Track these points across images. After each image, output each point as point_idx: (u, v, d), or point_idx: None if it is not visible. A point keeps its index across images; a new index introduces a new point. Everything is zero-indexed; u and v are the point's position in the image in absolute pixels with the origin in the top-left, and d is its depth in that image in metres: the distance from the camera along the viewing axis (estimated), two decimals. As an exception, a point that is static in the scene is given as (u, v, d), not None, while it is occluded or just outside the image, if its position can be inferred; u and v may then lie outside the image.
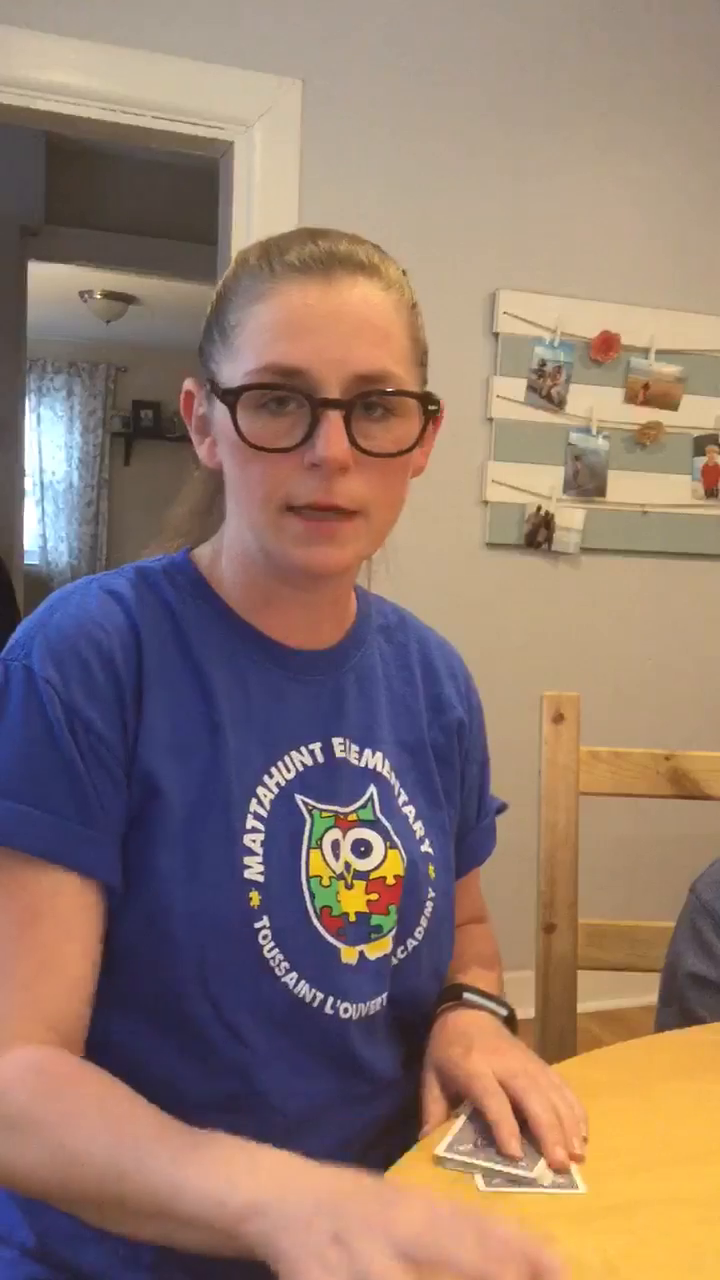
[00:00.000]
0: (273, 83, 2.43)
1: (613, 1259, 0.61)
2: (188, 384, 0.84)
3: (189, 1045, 0.77)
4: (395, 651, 0.93)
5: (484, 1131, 0.71)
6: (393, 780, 0.87)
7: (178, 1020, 0.77)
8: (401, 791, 0.88)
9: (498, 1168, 0.68)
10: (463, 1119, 0.74)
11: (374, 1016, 0.83)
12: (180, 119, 2.39)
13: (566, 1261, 0.53)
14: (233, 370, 0.77)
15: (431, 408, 0.80)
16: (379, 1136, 0.84)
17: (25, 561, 5.86)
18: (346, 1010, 0.81)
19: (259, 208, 2.44)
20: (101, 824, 0.75)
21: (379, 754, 0.87)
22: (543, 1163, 0.68)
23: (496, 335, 2.65)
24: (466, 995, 0.88)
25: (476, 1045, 0.81)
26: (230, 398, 0.76)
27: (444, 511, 2.65)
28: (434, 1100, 0.79)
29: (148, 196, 4.52)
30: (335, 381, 0.74)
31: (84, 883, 0.75)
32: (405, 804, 0.88)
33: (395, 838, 0.85)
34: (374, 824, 0.84)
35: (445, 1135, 0.70)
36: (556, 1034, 1.29)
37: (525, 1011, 1.26)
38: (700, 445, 2.84)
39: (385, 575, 0.96)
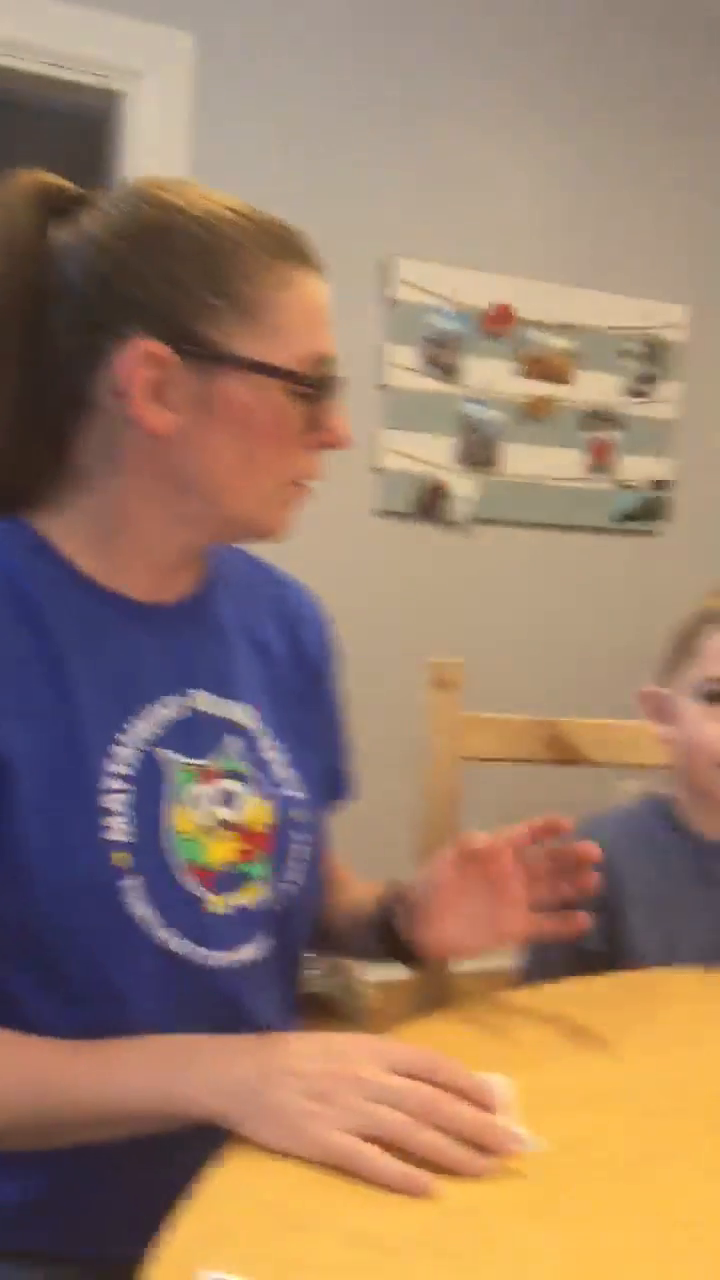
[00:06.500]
0: (165, 34, 2.38)
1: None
2: (151, 346, 0.77)
3: (71, 1003, 0.78)
4: (252, 599, 0.94)
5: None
6: (256, 729, 0.88)
7: (57, 980, 0.77)
8: (266, 739, 0.88)
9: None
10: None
11: (254, 964, 0.84)
12: (67, 66, 2.32)
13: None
14: (269, 350, 0.78)
15: None
16: None
17: None
18: (220, 960, 0.82)
19: (149, 162, 2.39)
20: None
21: (240, 704, 0.87)
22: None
23: (392, 301, 2.64)
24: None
25: None
26: (297, 381, 0.79)
27: (334, 478, 2.62)
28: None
29: (33, 147, 4.37)
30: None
31: None
32: (271, 751, 0.88)
33: (261, 787, 0.86)
34: (238, 774, 0.85)
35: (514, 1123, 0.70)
36: (434, 994, 1.30)
37: (395, 973, 1.27)
38: (590, 420, 2.88)
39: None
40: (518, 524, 2.86)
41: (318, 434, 0.82)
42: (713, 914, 1.02)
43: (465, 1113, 0.66)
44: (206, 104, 2.44)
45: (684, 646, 1.04)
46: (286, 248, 0.80)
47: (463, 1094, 0.68)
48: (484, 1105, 0.68)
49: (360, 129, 2.60)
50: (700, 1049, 0.86)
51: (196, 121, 2.43)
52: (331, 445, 0.83)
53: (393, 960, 0.96)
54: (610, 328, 2.86)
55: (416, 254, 2.65)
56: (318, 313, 0.81)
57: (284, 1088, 0.67)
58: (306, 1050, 0.70)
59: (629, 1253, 0.60)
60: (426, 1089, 0.67)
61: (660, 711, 1.07)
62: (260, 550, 0.99)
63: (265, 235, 0.80)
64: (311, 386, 0.80)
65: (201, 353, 0.77)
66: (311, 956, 0.99)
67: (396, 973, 1.25)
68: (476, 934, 0.89)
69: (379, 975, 2.49)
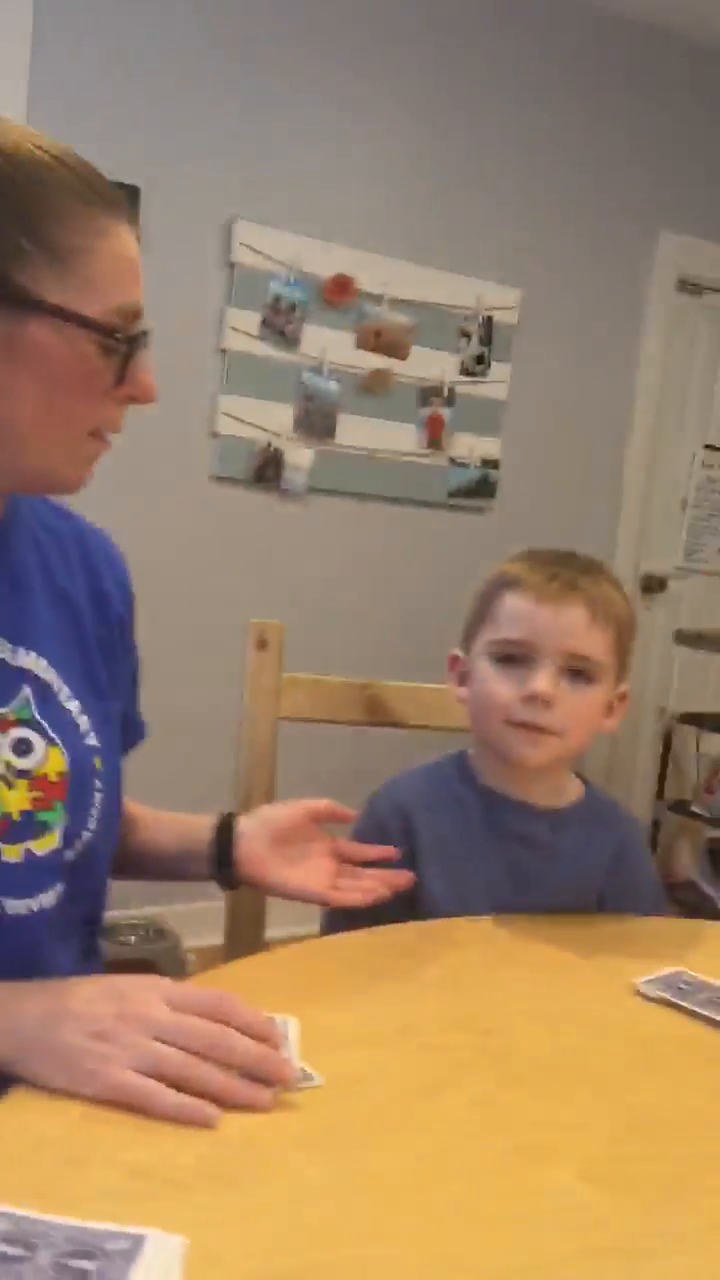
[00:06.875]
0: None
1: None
2: None
3: None
4: (53, 545, 0.93)
5: None
6: (53, 678, 0.87)
7: None
8: (64, 687, 0.88)
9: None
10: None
11: (49, 913, 0.84)
12: None
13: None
14: (80, 299, 0.76)
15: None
16: None
17: None
18: (15, 908, 0.82)
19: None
20: None
21: (34, 653, 0.87)
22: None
23: (232, 265, 2.62)
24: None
25: None
26: (106, 332, 0.77)
27: (171, 442, 2.61)
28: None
29: None
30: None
31: None
32: (69, 699, 0.88)
33: (56, 735, 0.85)
34: (32, 723, 0.84)
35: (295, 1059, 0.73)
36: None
37: (214, 939, 1.29)
38: (425, 396, 2.93)
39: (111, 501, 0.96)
40: (352, 495, 2.89)
41: (124, 387, 0.81)
42: (503, 863, 1.07)
43: (246, 1046, 0.69)
44: (44, 58, 2.36)
45: (480, 611, 1.08)
46: (103, 196, 0.79)
47: (246, 1029, 0.70)
48: (266, 1039, 0.70)
49: (206, 89, 2.56)
50: (484, 989, 0.90)
51: (32, 76, 2.35)
52: (138, 399, 0.82)
53: (213, 880, 1.02)
54: (447, 306, 2.91)
55: (257, 218, 2.64)
56: (130, 264, 0.80)
57: (67, 1029, 0.67)
58: (90, 992, 0.71)
59: (397, 1178, 0.64)
60: (208, 1025, 0.69)
61: (460, 674, 1.11)
62: (94, 511, 0.99)
63: (82, 182, 0.78)
64: (121, 339, 0.79)
65: (8, 297, 0.76)
66: (132, 919, 1.01)
67: (215, 938, 1.28)
68: (292, 877, 0.97)
69: (198, 941, 2.50)
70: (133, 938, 2.57)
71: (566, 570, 1.04)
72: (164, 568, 2.55)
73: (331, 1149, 0.66)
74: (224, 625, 2.53)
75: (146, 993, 0.70)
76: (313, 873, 0.99)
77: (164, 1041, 0.67)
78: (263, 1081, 0.68)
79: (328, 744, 2.38)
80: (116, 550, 1.00)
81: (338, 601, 2.91)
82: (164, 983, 0.73)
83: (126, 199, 0.82)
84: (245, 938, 1.32)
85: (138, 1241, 0.55)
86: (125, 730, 1.00)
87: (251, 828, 1.01)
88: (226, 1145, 0.64)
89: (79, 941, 0.90)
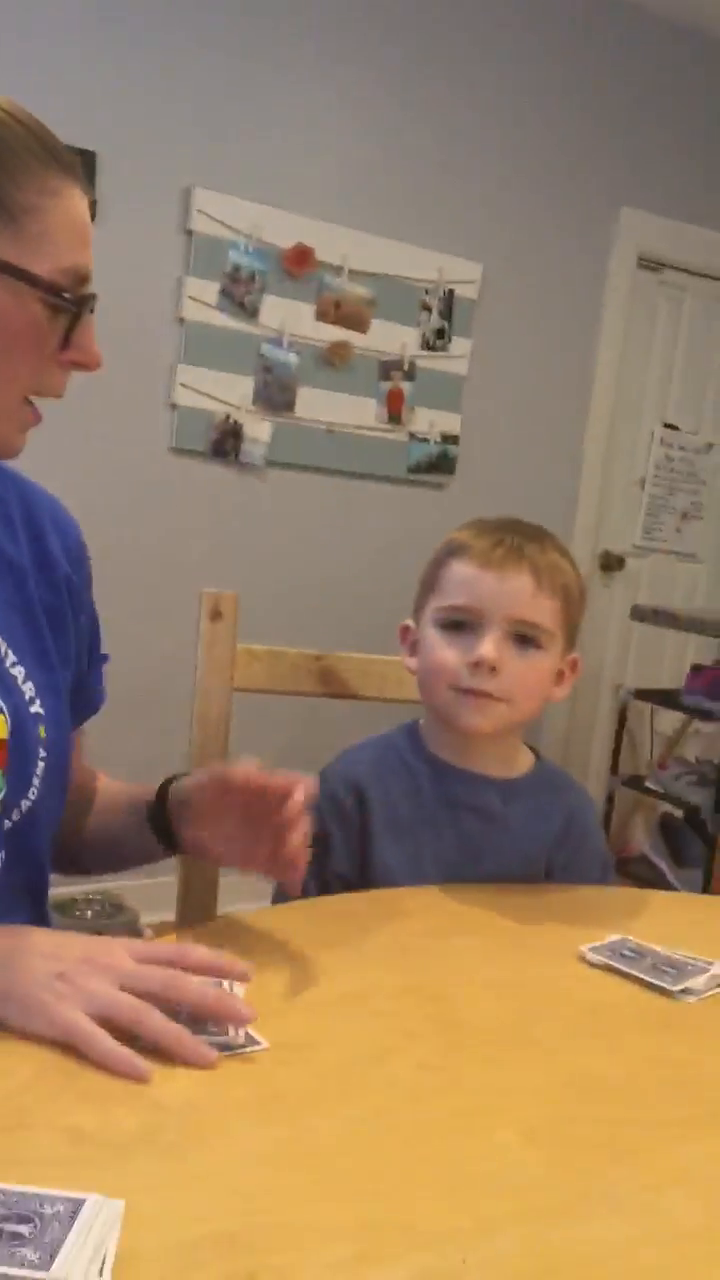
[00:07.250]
0: None
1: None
2: None
3: None
4: None
5: None
6: None
7: None
8: (9, 654, 0.87)
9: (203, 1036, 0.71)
10: None
11: None
12: None
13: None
14: (30, 257, 0.76)
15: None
16: None
17: None
18: None
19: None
20: None
21: None
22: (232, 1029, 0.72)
23: (190, 233, 2.59)
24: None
25: None
26: (55, 293, 0.76)
27: (129, 412, 2.58)
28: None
29: None
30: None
31: None
32: (13, 665, 0.87)
33: None
34: None
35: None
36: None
37: (166, 915, 1.28)
38: (386, 370, 2.92)
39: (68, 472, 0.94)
40: (311, 469, 2.88)
41: (69, 351, 0.80)
42: (454, 834, 1.08)
43: (201, 989, 0.70)
44: (1, 21, 2.31)
45: (428, 579, 1.08)
46: (58, 158, 0.78)
47: (205, 969, 0.71)
48: (232, 973, 0.72)
49: (165, 54, 2.52)
50: (432, 957, 0.91)
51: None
52: (81, 364, 0.82)
53: (161, 847, 0.98)
54: (408, 278, 2.90)
55: (216, 186, 2.60)
56: (81, 227, 0.80)
57: (30, 963, 0.68)
58: (59, 938, 0.72)
59: (339, 1141, 0.64)
60: (168, 970, 0.70)
61: (411, 644, 1.11)
62: (51, 481, 0.97)
63: (34, 141, 0.78)
64: (69, 300, 0.78)
65: None
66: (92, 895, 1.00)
67: (172, 913, 1.27)
68: (228, 851, 0.93)
69: (155, 916, 2.50)
70: (89, 912, 2.57)
71: (512, 537, 1.04)
72: (121, 539, 2.53)
73: (275, 1113, 0.66)
74: (181, 598, 2.52)
75: (112, 945, 0.72)
76: (249, 845, 0.91)
77: (121, 989, 0.68)
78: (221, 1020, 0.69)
79: (282, 715, 2.38)
80: (66, 513, 0.98)
81: (296, 575, 2.90)
82: (126, 939, 0.74)
83: (81, 163, 0.81)
84: (197, 912, 1.32)
85: (76, 1205, 0.55)
86: (83, 698, 0.98)
87: (181, 812, 0.94)
88: (170, 1110, 0.64)
89: (26, 909, 0.89)
